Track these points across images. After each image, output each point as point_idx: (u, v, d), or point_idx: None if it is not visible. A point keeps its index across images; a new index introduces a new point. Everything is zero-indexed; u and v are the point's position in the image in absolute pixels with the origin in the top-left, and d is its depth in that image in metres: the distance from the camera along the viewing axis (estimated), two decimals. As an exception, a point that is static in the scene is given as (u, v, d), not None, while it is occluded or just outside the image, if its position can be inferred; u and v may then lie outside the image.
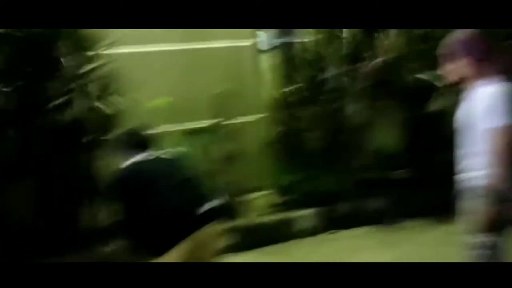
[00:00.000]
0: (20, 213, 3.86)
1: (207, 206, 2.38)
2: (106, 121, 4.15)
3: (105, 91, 4.22)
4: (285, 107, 5.19)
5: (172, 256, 2.23)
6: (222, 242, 2.48)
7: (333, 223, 4.83)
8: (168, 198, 2.33)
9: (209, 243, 2.38)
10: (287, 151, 5.18)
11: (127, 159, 2.57)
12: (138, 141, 2.65)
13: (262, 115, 5.38)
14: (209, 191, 2.68)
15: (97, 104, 4.06)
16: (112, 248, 3.95)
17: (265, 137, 5.25)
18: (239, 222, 4.65)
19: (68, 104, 3.92)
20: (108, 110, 4.10)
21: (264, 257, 4.24)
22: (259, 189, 5.34)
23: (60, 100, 3.86)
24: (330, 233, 4.76)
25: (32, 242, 3.83)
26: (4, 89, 3.71)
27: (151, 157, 2.57)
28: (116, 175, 2.59)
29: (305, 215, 4.78)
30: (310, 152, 5.13)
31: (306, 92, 5.13)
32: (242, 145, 5.13)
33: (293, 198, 4.92)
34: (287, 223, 4.72)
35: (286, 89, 5.17)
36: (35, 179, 3.93)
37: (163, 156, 2.67)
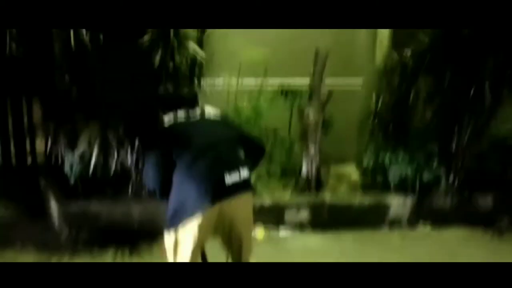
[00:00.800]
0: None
1: (241, 175, 2.17)
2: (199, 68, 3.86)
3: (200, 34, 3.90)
4: (397, 74, 4.47)
5: (196, 223, 2.08)
6: (251, 215, 2.31)
7: (432, 216, 4.20)
8: (200, 159, 2.14)
9: (238, 214, 2.21)
10: (390, 125, 4.53)
11: (170, 115, 2.37)
12: (185, 98, 2.52)
13: (368, 80, 4.76)
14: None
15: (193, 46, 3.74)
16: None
17: (368, 105, 4.63)
18: (325, 198, 4.20)
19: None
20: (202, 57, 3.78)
21: (360, 243, 3.80)
22: (349, 163, 4.83)
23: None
24: (428, 227, 4.15)
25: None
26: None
27: (194, 115, 2.36)
28: (157, 131, 2.42)
29: (400, 202, 4.19)
30: (416, 130, 4.44)
31: (423, 59, 4.35)
32: (340, 110, 4.62)
33: (388, 180, 4.32)
34: (379, 207, 4.17)
35: (401, 54, 4.42)
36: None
37: (209, 116, 2.41)
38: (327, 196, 4.21)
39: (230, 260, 2.36)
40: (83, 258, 3.49)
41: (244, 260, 2.34)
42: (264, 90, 4.54)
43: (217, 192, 2.10)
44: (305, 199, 4.16)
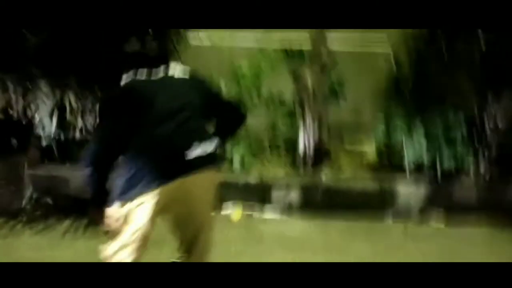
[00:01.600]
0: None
1: (206, 147, 1.88)
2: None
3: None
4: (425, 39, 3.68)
5: (152, 198, 1.81)
6: (214, 193, 2.00)
7: (449, 209, 3.46)
8: (160, 127, 1.84)
9: (198, 192, 1.93)
10: (412, 97, 3.77)
11: (130, 74, 1.97)
12: (147, 54, 2.06)
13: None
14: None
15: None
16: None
17: (389, 72, 3.89)
18: (320, 178, 3.59)
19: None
20: None
21: (350, 236, 3.19)
22: (360, 139, 4.14)
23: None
24: (441, 223, 3.43)
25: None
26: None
27: (156, 75, 1.97)
28: (112, 93, 2.03)
29: (411, 189, 3.49)
30: (439, 105, 3.66)
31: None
32: (356, 75, 3.93)
33: (402, 162, 3.62)
34: (384, 194, 3.50)
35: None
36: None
37: (174, 75, 2.00)
38: (324, 176, 3.60)
39: (181, 248, 2.01)
40: (38, 225, 3.22)
41: (199, 246, 1.99)
42: (264, 47, 3.92)
43: (177, 166, 1.84)
44: (297, 178, 3.58)
